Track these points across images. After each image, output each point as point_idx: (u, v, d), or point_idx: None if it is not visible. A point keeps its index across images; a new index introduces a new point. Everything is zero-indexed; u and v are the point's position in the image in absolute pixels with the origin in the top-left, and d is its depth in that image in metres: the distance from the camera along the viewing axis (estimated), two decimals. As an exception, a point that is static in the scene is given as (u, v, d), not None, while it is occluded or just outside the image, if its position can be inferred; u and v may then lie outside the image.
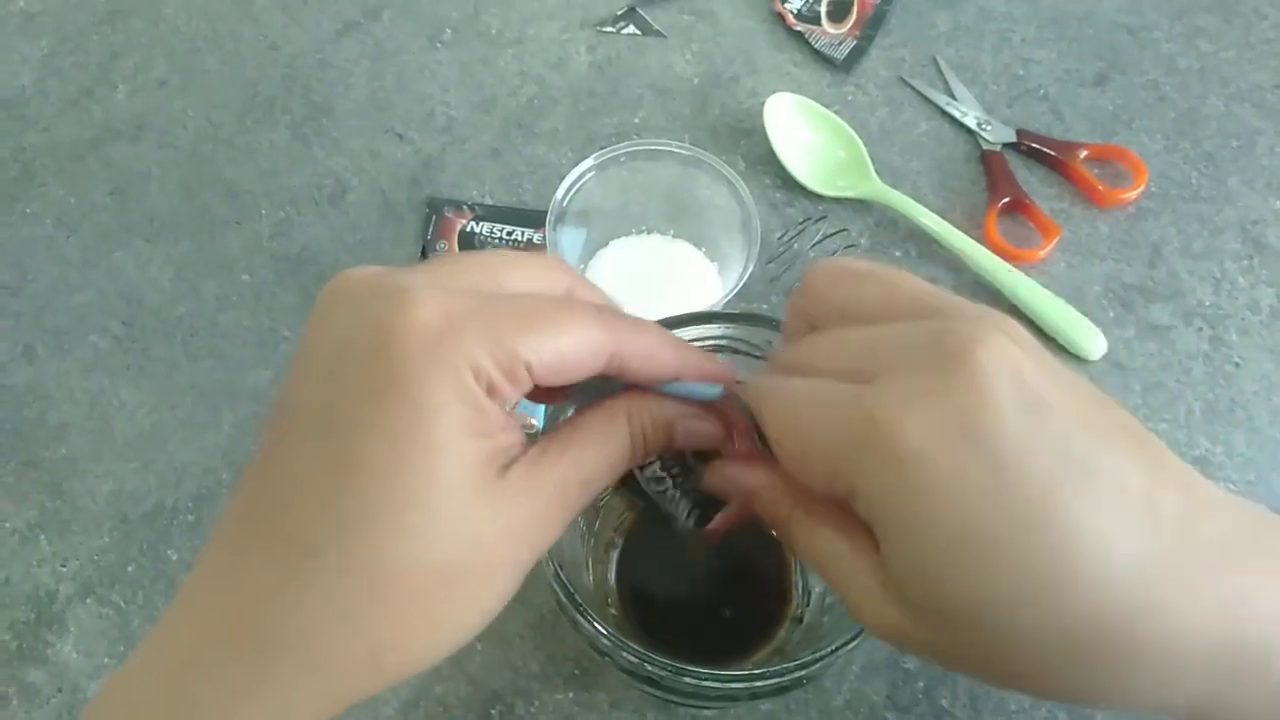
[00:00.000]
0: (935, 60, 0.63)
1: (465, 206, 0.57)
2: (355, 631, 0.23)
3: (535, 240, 0.55)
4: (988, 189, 0.57)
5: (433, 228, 0.56)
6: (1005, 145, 0.59)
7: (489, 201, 0.57)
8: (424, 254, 0.55)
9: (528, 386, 0.24)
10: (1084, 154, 0.58)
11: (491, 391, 0.23)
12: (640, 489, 0.31)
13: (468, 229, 0.56)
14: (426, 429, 0.22)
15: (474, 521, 0.23)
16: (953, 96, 0.61)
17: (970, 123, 0.60)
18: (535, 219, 0.55)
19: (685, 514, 0.31)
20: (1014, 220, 0.57)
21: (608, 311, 0.26)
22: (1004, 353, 0.23)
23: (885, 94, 0.62)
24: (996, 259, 0.54)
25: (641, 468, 0.30)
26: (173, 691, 0.23)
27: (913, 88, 0.62)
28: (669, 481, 0.30)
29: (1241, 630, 0.22)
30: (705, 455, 0.30)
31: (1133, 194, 0.56)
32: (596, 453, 0.27)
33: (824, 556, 0.26)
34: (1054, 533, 0.22)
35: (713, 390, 0.28)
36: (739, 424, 0.29)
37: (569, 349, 0.24)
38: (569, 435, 0.26)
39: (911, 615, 0.24)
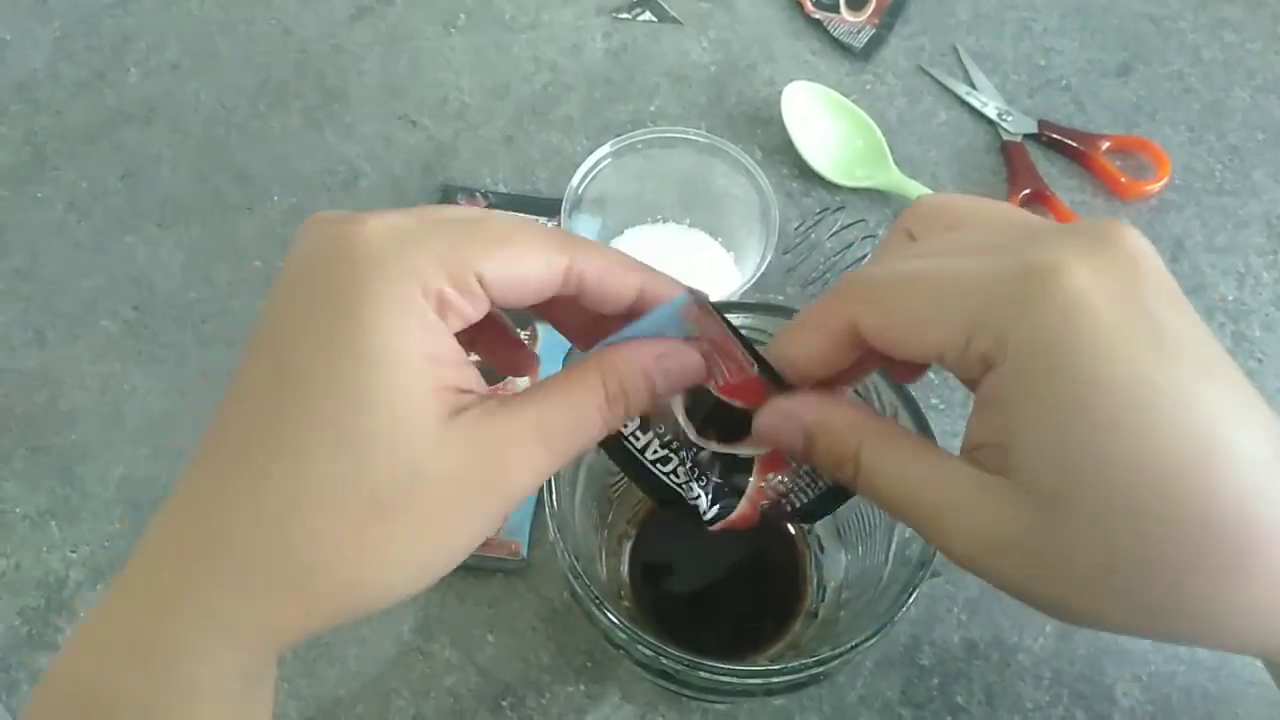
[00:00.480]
0: (955, 49, 0.62)
1: (478, 194, 0.56)
2: (281, 544, 0.22)
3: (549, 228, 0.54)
4: (1008, 180, 0.57)
5: None
6: (1026, 136, 0.58)
7: (502, 189, 0.57)
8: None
9: (483, 302, 0.23)
10: (1106, 145, 0.57)
11: (443, 308, 0.23)
12: (644, 471, 0.29)
13: None
14: (364, 335, 0.22)
15: (414, 451, 0.22)
16: (973, 86, 0.60)
17: (990, 113, 0.59)
18: (549, 206, 0.54)
19: (699, 496, 0.29)
20: (1034, 212, 0.56)
21: (565, 233, 0.26)
22: (1143, 241, 0.22)
23: (904, 83, 0.61)
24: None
25: (642, 449, 0.28)
26: (122, 601, 0.23)
27: (932, 77, 0.61)
28: (674, 460, 0.28)
29: None
30: (713, 425, 0.28)
31: (1155, 186, 0.55)
32: (560, 401, 0.25)
33: (906, 481, 0.24)
34: (1202, 413, 0.20)
35: (685, 328, 0.26)
36: (734, 355, 0.26)
37: (524, 262, 0.24)
38: (533, 389, 0.25)
39: (1019, 516, 0.22)
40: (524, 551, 0.46)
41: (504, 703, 0.43)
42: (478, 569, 0.45)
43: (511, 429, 0.24)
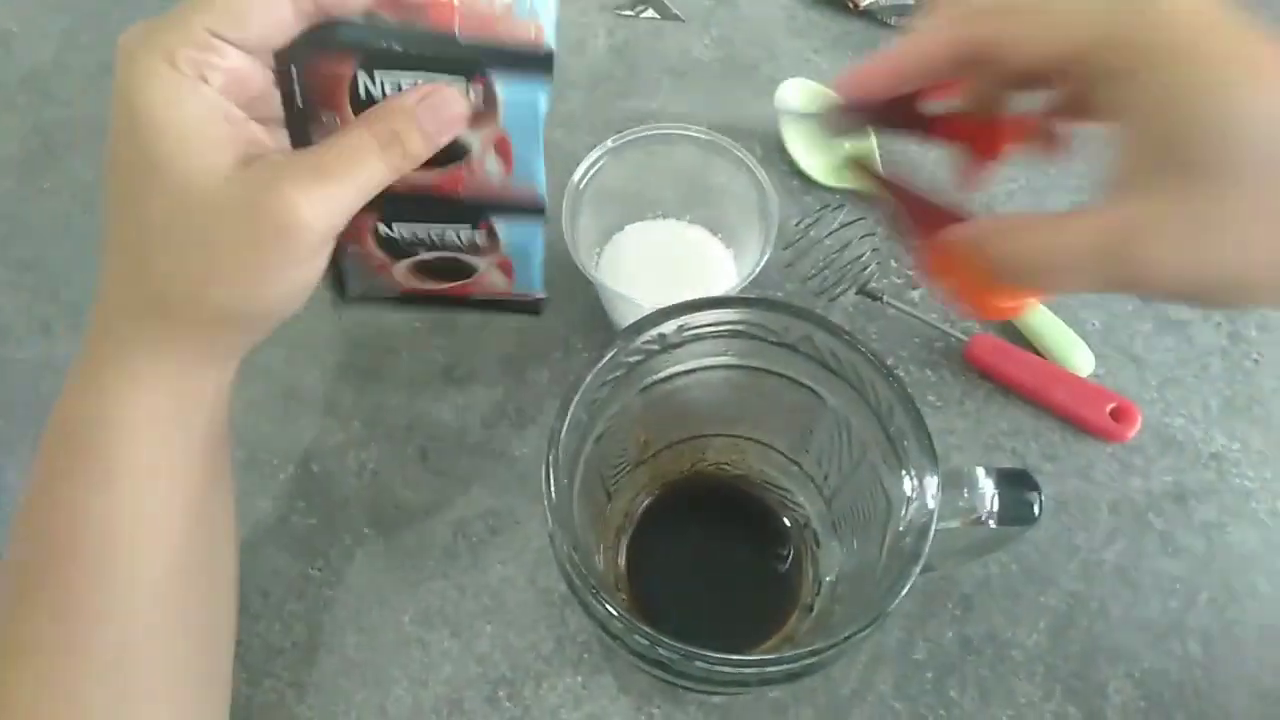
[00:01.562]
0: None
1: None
2: (149, 294, 0.30)
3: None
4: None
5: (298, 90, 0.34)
6: None
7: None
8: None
9: (228, 52, 0.28)
10: None
11: (196, 68, 0.27)
12: None
13: (362, 89, 0.32)
14: (140, 118, 0.28)
15: (206, 196, 0.28)
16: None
17: None
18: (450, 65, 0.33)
19: None
20: None
21: None
22: None
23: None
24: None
25: None
26: (79, 363, 0.32)
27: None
28: None
29: None
30: None
31: None
32: (334, 145, 0.29)
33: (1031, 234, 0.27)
34: None
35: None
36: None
37: (245, 4, 0.28)
38: (316, 144, 0.30)
39: (1150, 187, 0.25)
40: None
41: (500, 693, 0.43)
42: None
43: (289, 168, 0.29)
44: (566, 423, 0.33)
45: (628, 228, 0.52)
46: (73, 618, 0.31)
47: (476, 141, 0.33)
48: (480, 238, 0.38)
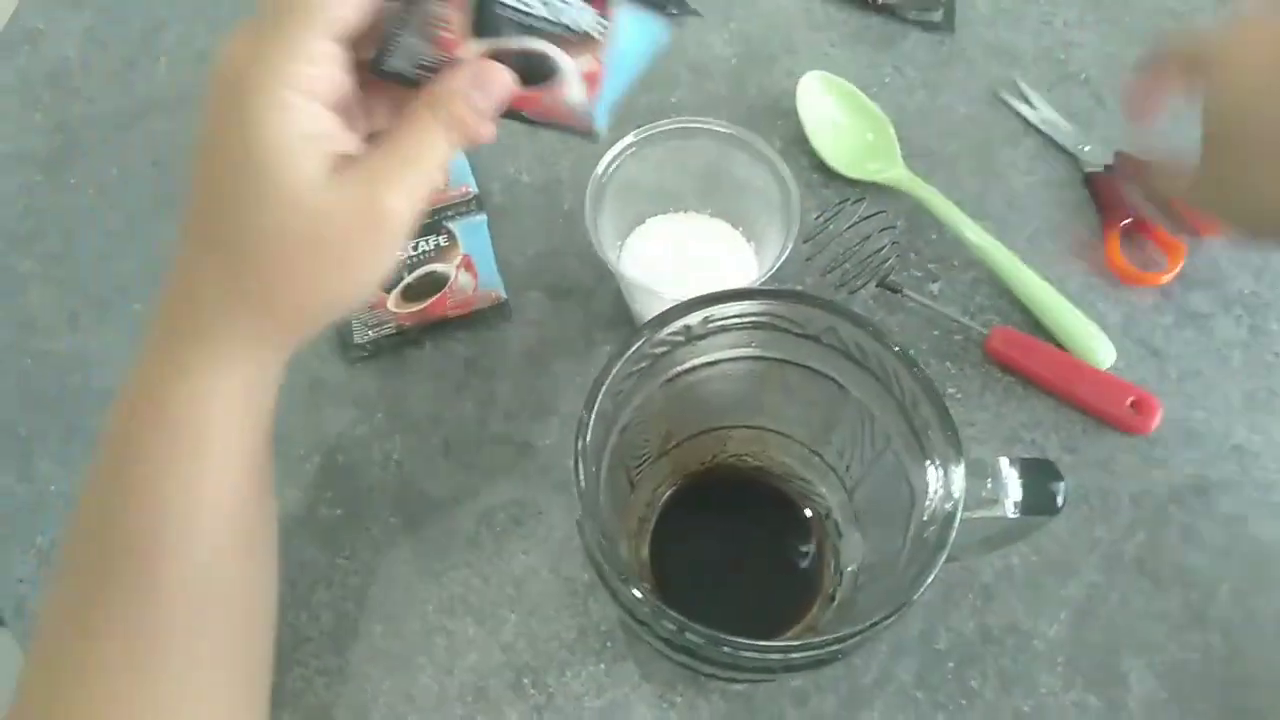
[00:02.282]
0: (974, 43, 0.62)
1: None
2: (243, 290, 0.32)
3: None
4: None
5: None
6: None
7: (525, 178, 0.58)
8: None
9: (331, 60, 0.30)
10: None
11: (310, 85, 0.29)
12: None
13: None
14: (250, 142, 0.29)
15: (309, 203, 0.30)
16: (1028, 104, 0.60)
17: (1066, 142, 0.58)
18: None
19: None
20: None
21: None
22: None
23: (924, 76, 0.61)
24: (1009, 252, 0.53)
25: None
26: (150, 343, 0.34)
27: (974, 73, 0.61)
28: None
29: None
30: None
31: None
32: (408, 138, 0.32)
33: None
34: None
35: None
36: None
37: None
38: (384, 137, 0.32)
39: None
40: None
41: (525, 680, 0.44)
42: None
43: (378, 167, 0.31)
44: (594, 413, 0.34)
45: (649, 221, 0.52)
46: (152, 592, 0.33)
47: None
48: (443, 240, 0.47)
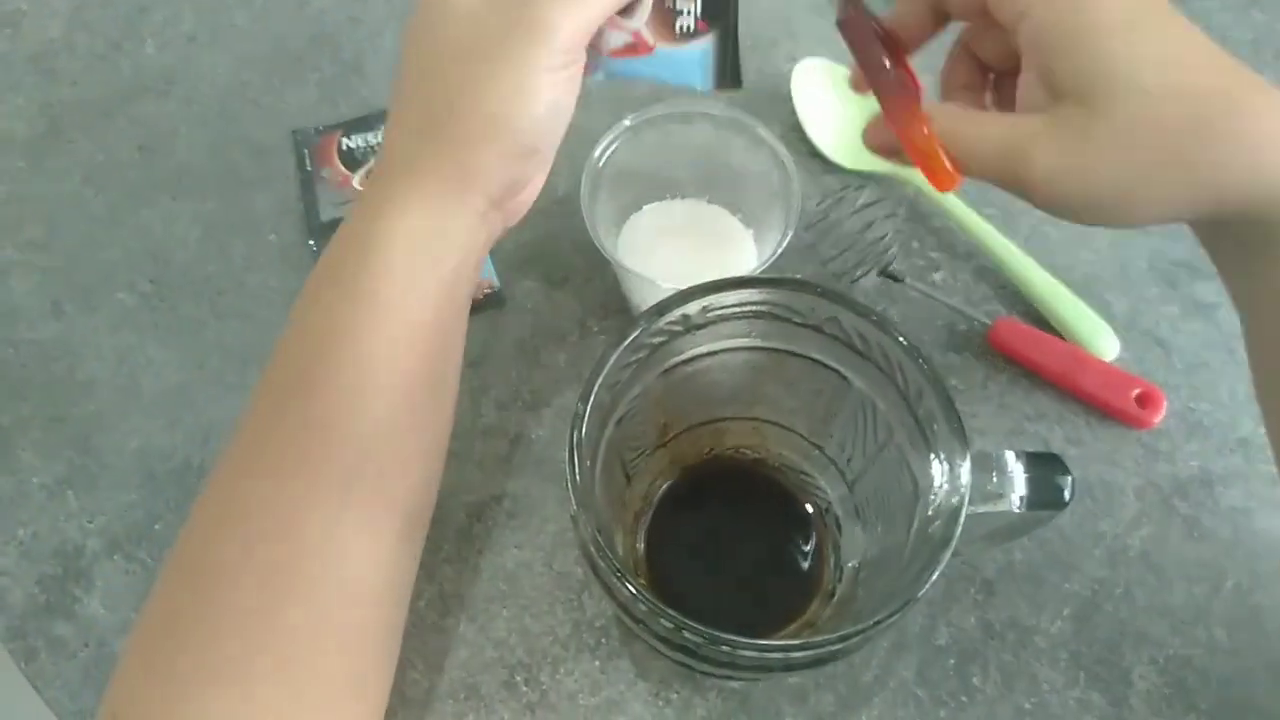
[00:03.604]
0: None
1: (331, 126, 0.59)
2: (429, 87, 0.35)
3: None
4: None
5: (309, 158, 0.57)
6: None
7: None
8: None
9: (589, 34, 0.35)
10: None
11: (573, 42, 0.34)
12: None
13: (344, 146, 0.58)
14: (527, 78, 0.34)
15: (484, 11, 0.34)
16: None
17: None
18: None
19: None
20: None
21: None
22: None
23: (926, 61, 0.60)
24: (1011, 245, 0.52)
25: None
26: (369, 187, 0.37)
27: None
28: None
29: None
30: None
31: None
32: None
33: (989, 133, 0.32)
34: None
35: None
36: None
37: None
38: None
39: (1074, 119, 0.30)
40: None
41: (518, 678, 0.43)
42: (493, 544, 0.45)
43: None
44: (590, 404, 0.33)
45: (646, 208, 0.51)
46: (320, 428, 0.34)
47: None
48: None
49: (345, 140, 0.57)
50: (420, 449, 0.37)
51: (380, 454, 0.35)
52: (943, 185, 0.33)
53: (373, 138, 0.57)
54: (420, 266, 0.35)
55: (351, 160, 0.56)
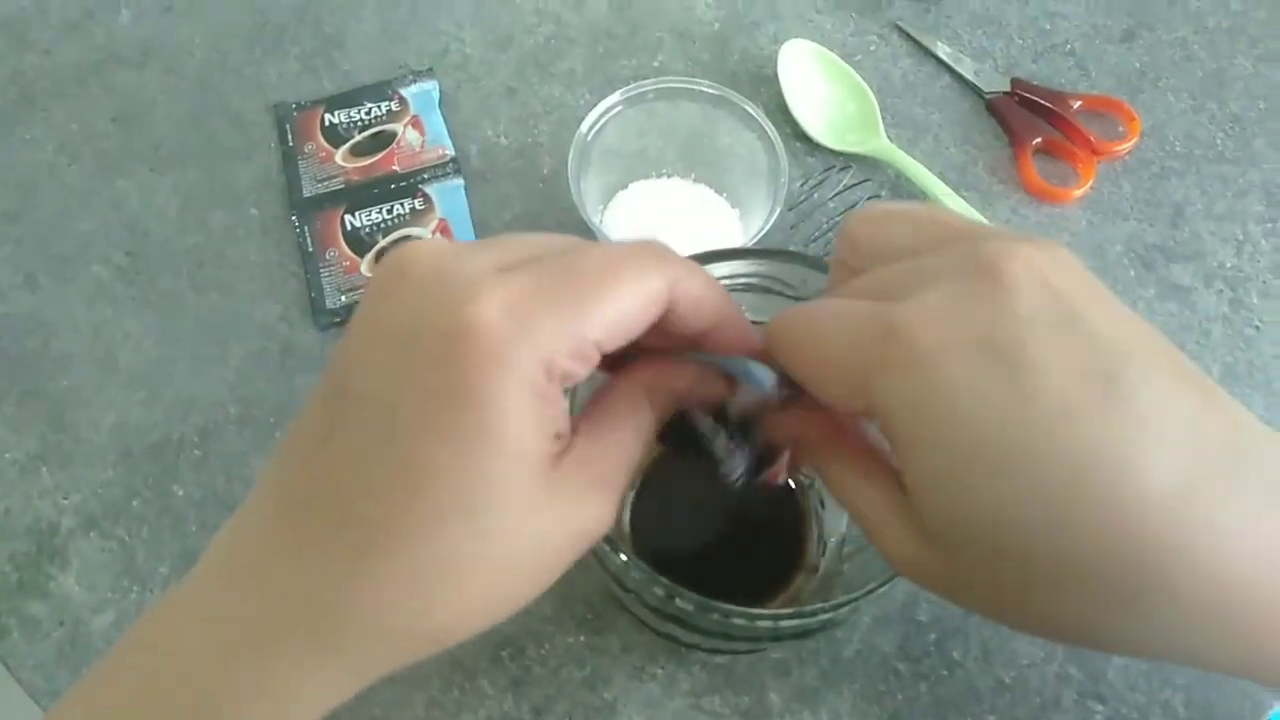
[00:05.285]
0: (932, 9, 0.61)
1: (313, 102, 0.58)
2: (423, 614, 0.23)
3: (393, 109, 0.57)
4: (1007, 137, 0.57)
5: (290, 132, 0.57)
6: (1001, 94, 0.58)
7: (504, 141, 0.56)
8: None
9: (596, 361, 0.24)
10: (1078, 105, 0.57)
11: (563, 379, 0.23)
12: (693, 443, 0.29)
13: (326, 122, 0.57)
14: (494, 437, 0.22)
15: (540, 520, 0.23)
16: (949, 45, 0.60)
17: (966, 72, 0.59)
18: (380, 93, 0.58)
19: (742, 467, 0.29)
20: (1051, 162, 0.57)
21: (656, 247, 0.25)
22: (1033, 262, 0.22)
23: (909, 44, 0.61)
24: (991, 224, 0.53)
25: (692, 423, 0.29)
26: (234, 663, 0.23)
27: (908, 35, 0.60)
28: (722, 434, 0.29)
29: None
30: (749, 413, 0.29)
31: (1125, 146, 0.56)
32: (629, 438, 0.26)
33: (854, 496, 0.26)
34: (1075, 451, 0.21)
35: (761, 375, 0.26)
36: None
37: (633, 308, 0.23)
38: (601, 422, 0.26)
39: (930, 546, 0.24)
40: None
41: (504, 653, 0.43)
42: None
43: (602, 468, 0.25)
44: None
45: (632, 186, 0.51)
46: None
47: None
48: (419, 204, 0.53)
49: (328, 115, 0.57)
50: None
51: None
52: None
53: (355, 113, 0.57)
54: None
55: (335, 136, 0.56)
